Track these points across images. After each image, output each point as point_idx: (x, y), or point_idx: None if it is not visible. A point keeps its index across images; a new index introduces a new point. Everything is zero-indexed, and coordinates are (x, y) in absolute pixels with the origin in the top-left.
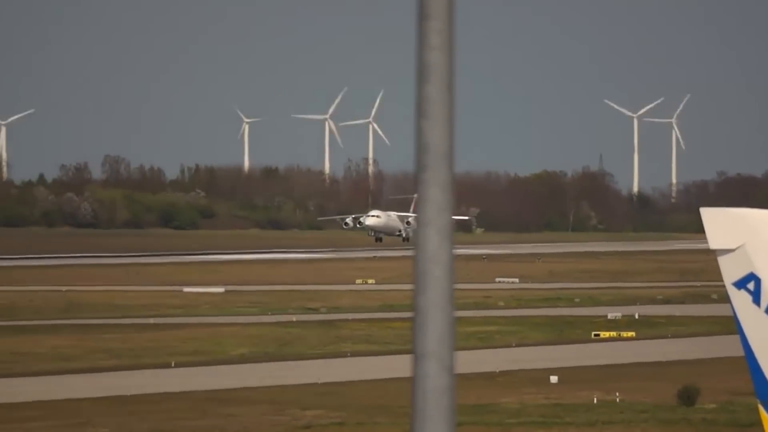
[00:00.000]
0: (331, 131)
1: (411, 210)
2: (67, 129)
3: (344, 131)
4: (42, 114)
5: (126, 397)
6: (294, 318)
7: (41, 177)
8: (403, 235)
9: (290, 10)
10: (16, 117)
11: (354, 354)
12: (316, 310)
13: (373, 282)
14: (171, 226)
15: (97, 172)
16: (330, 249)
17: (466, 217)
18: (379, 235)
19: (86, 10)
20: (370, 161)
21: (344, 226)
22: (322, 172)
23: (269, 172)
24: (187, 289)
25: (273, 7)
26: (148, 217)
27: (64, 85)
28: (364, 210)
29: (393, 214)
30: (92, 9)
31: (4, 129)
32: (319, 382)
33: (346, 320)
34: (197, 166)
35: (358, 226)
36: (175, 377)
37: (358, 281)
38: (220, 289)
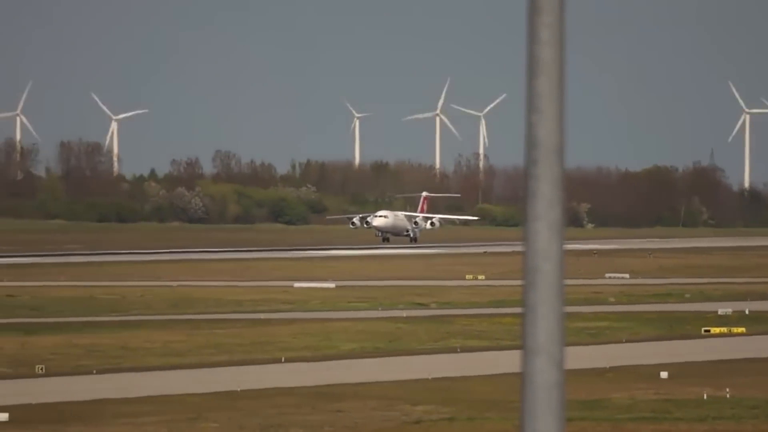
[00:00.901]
0: (443, 124)
1: (418, 210)
2: (179, 124)
3: (455, 124)
4: (154, 109)
5: (236, 393)
6: (404, 313)
7: (152, 172)
8: (411, 235)
9: (400, 5)
10: (128, 114)
11: (464, 349)
12: (426, 306)
13: (483, 277)
14: (281, 221)
15: (208, 167)
16: (440, 245)
17: (475, 218)
18: (386, 235)
19: (194, 9)
20: (481, 156)
21: (351, 226)
22: (432, 167)
23: (379, 167)
24: (297, 285)
25: (383, 2)
26: (259, 212)
27: (176, 81)
28: (474, 205)
29: (401, 213)
30: (200, 6)
31: (116, 124)
32: (429, 377)
33: (456, 316)
34: (308, 161)
35: (365, 226)
36: (284, 372)
37: (468, 277)
38: (331, 285)
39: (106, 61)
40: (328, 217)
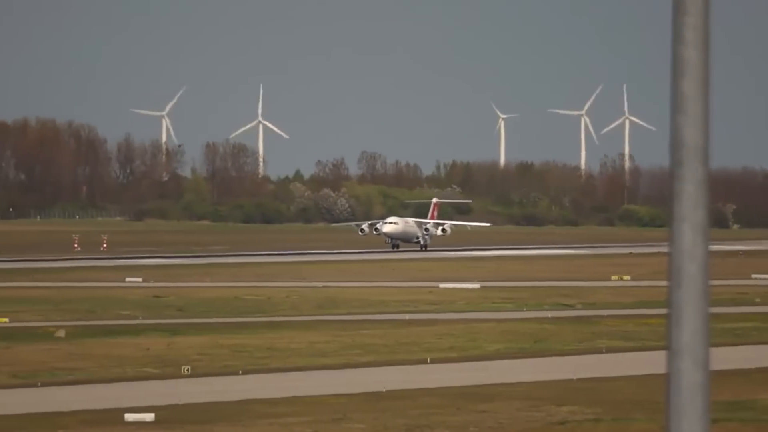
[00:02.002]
0: (586, 127)
1: (429, 216)
2: (325, 125)
3: (599, 125)
4: (299, 110)
5: (381, 393)
6: (549, 314)
7: (298, 173)
8: (422, 242)
9: (544, 7)
10: (271, 126)
11: (609, 350)
12: (571, 306)
13: (629, 278)
14: None
15: (353, 168)
16: (586, 245)
17: (487, 224)
18: (396, 242)
19: (346, 14)
20: (626, 156)
21: (360, 233)
22: (577, 168)
23: (524, 168)
24: (442, 285)
25: (528, 4)
26: (404, 213)
27: (321, 84)
28: (620, 206)
29: (411, 220)
30: (349, 11)
31: (261, 126)
32: (575, 378)
33: (601, 316)
34: (453, 161)
35: (374, 232)
36: (430, 373)
37: (614, 277)
38: (476, 285)
39: (254, 65)
40: (333, 224)
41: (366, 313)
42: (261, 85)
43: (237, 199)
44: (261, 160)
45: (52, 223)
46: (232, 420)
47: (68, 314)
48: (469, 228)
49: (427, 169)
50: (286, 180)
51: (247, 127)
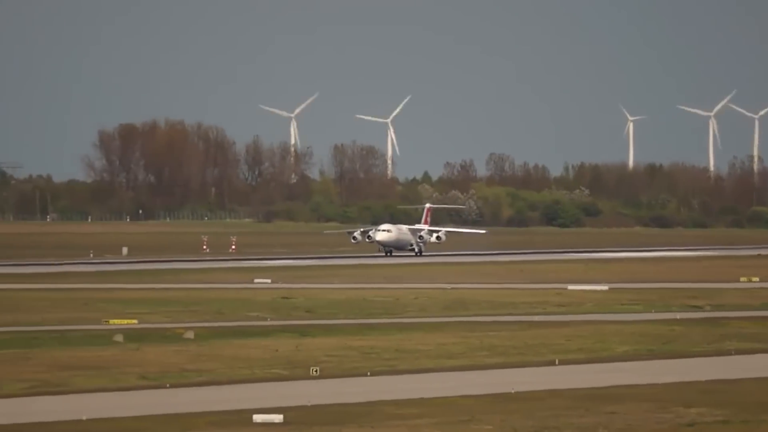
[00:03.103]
0: (713, 129)
1: (423, 221)
2: (452, 126)
3: (726, 127)
4: (426, 110)
5: (509, 395)
6: (677, 316)
7: (426, 175)
8: (416, 249)
9: (675, 7)
10: (396, 111)
11: (738, 352)
12: (699, 308)
13: (758, 280)
14: (555, 224)
15: (481, 170)
16: (714, 247)
17: (483, 231)
18: (389, 249)
19: (458, 19)
20: (755, 158)
21: (353, 241)
22: (706, 169)
23: (653, 170)
24: (571, 287)
25: (660, 5)
26: (532, 215)
27: (452, 85)
28: (749, 207)
29: (404, 227)
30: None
31: (391, 126)
32: (703, 380)
33: (730, 318)
34: (581, 163)
35: (367, 240)
36: (558, 374)
37: (743, 279)
38: (604, 287)
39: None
40: (325, 232)
41: (494, 315)
42: (408, 95)
43: (365, 201)
44: (389, 161)
45: (181, 224)
46: (361, 421)
47: (197, 315)
48: (464, 235)
49: (555, 171)
50: (414, 181)
51: (376, 120)
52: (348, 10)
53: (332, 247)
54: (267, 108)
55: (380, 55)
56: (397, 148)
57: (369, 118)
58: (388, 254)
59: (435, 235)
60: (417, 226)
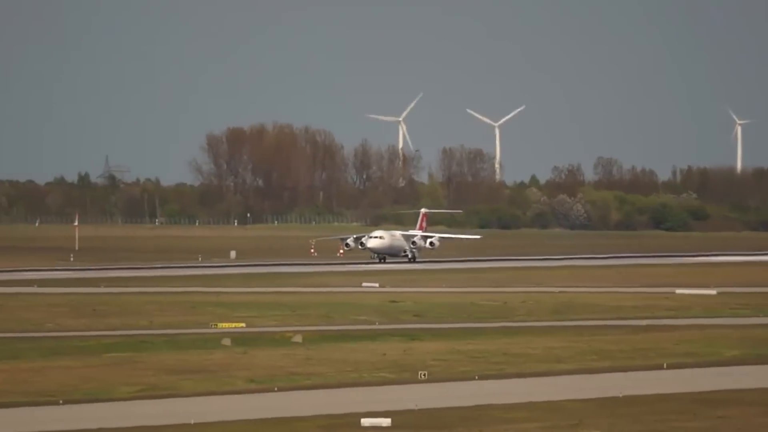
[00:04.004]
0: None
1: (417, 227)
2: (559, 130)
3: None
4: (534, 114)
5: (617, 399)
6: None
7: (533, 179)
8: (409, 255)
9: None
10: (508, 117)
11: None
12: None
13: None
14: (663, 228)
15: (589, 174)
16: None
17: (478, 236)
18: (382, 256)
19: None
20: None
21: (345, 247)
22: None
23: (761, 174)
24: (679, 291)
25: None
26: (640, 219)
27: (559, 88)
28: None
29: (397, 233)
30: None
31: (498, 130)
32: None
33: None
34: (689, 167)
35: (360, 247)
36: (666, 379)
37: None
38: (712, 291)
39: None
40: (316, 239)
41: (602, 319)
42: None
43: (473, 205)
44: (497, 165)
45: (289, 228)
46: (469, 425)
47: (305, 319)
48: (463, 239)
49: (663, 175)
50: (522, 185)
51: (482, 119)
52: (454, 11)
53: (441, 252)
54: (375, 116)
55: (488, 59)
56: (498, 152)
57: (478, 116)
58: (382, 261)
59: (428, 241)
60: (410, 232)
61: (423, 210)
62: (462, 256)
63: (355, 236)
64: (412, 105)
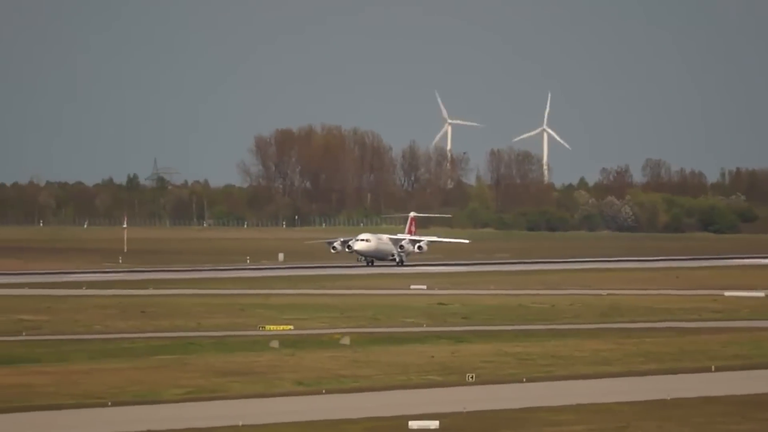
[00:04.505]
0: None
1: (406, 231)
2: (608, 132)
3: None
4: (581, 116)
5: (665, 401)
6: None
7: (582, 181)
8: (397, 259)
9: None
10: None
11: None
12: None
13: None
14: (711, 230)
15: (637, 176)
16: None
17: (467, 240)
18: (369, 260)
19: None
20: None
21: (332, 251)
22: None
23: None
24: (727, 293)
25: None
26: (688, 221)
27: (606, 89)
28: None
29: (384, 236)
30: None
31: (545, 134)
32: None
33: None
34: (738, 169)
35: (347, 250)
36: (715, 381)
37: None
38: (761, 294)
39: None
40: (306, 242)
41: (649, 321)
42: (549, 93)
43: (521, 207)
44: (545, 167)
45: (336, 230)
46: (516, 428)
47: (353, 321)
48: (452, 242)
49: (712, 177)
50: (570, 187)
51: (532, 133)
52: (506, 16)
53: (489, 254)
54: (438, 99)
55: (537, 60)
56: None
57: (524, 135)
58: (370, 264)
59: (416, 245)
60: (398, 236)
61: (411, 214)
62: (514, 259)
63: (342, 239)
64: (467, 123)
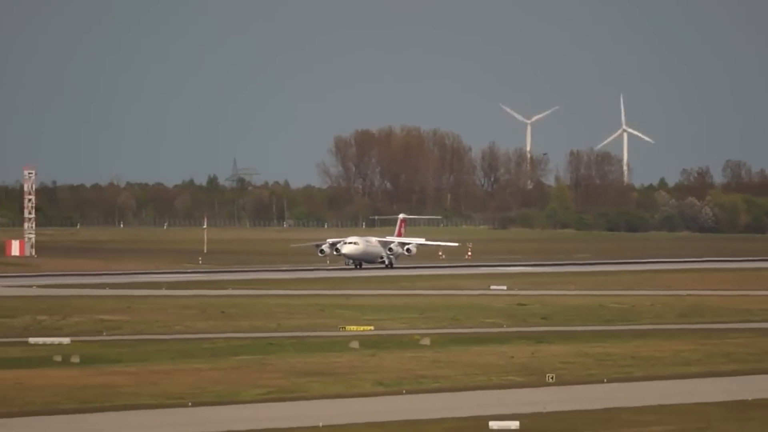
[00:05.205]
0: None
1: (396, 233)
2: (688, 133)
3: None
4: (662, 116)
5: (747, 402)
6: None
7: (662, 181)
8: (386, 262)
9: None
10: (636, 133)
11: None
12: None
13: None
14: None
15: (718, 177)
16: None
17: (456, 243)
18: (358, 262)
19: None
20: None
21: (320, 254)
22: None
23: None
24: None
25: None
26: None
27: (684, 88)
28: None
29: (373, 239)
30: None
31: (625, 134)
32: None
33: None
34: None
35: (335, 253)
36: None
37: None
38: None
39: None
40: (292, 246)
41: (731, 322)
42: (621, 95)
43: (601, 208)
44: (625, 168)
45: (417, 231)
46: (597, 428)
47: (433, 322)
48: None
49: None
50: (651, 188)
51: (612, 137)
52: (579, 12)
53: (569, 254)
54: (506, 108)
55: (613, 61)
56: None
57: (605, 141)
58: (358, 267)
59: (405, 247)
60: (387, 239)
61: (401, 216)
62: (594, 259)
63: (330, 242)
64: (546, 113)
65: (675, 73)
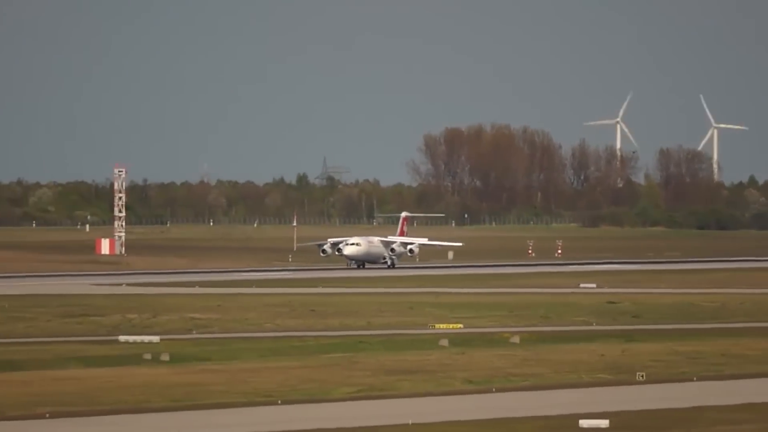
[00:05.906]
0: None
1: (398, 233)
2: None
3: None
4: (753, 114)
5: None
6: None
7: (752, 179)
8: (388, 262)
9: None
10: (728, 126)
11: None
12: None
13: None
14: None
15: None
16: None
17: (460, 244)
18: (360, 263)
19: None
20: None
21: (321, 254)
22: None
23: None
24: None
25: None
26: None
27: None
28: None
29: (375, 239)
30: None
31: (715, 132)
32: None
33: None
34: None
35: (336, 253)
36: None
37: None
38: None
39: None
40: (297, 246)
41: None
42: (701, 96)
43: (691, 205)
44: (715, 166)
45: (506, 229)
46: (687, 427)
47: (523, 320)
48: (438, 248)
49: None
50: (741, 186)
51: (706, 138)
52: (663, 9)
53: (659, 252)
54: (592, 123)
55: (704, 63)
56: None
57: (703, 142)
58: (360, 267)
59: (408, 247)
60: (390, 238)
61: (403, 214)
62: (684, 257)
63: (331, 242)
64: (625, 105)
65: (762, 70)
